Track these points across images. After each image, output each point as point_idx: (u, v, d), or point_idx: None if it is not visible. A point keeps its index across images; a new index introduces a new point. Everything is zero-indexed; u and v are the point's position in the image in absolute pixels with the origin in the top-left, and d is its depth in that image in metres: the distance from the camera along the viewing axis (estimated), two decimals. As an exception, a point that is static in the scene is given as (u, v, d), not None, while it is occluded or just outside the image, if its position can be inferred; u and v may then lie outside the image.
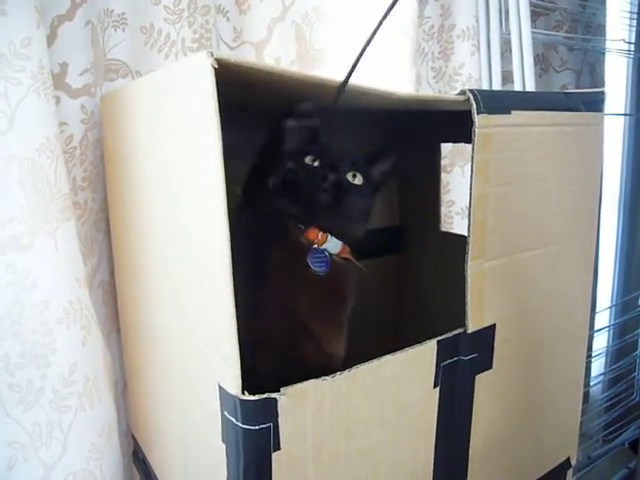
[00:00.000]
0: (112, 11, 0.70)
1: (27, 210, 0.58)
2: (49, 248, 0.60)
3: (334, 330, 0.60)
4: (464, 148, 1.02)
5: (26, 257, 0.59)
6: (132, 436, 0.76)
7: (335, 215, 0.59)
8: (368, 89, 0.45)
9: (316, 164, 0.60)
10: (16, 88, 0.56)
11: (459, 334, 0.52)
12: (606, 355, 1.36)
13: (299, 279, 0.58)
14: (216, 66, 0.36)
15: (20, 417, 0.62)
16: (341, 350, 0.60)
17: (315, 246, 0.58)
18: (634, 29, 1.23)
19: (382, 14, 0.46)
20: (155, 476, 0.66)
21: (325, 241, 0.59)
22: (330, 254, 0.59)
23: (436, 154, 0.86)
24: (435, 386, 0.52)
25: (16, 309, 0.60)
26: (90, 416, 0.67)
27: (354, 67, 0.45)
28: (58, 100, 0.65)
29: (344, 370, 0.45)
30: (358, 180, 0.61)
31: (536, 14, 1.13)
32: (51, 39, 0.64)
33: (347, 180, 0.60)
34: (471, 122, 0.49)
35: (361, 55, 0.46)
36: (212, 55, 0.36)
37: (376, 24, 0.46)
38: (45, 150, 0.58)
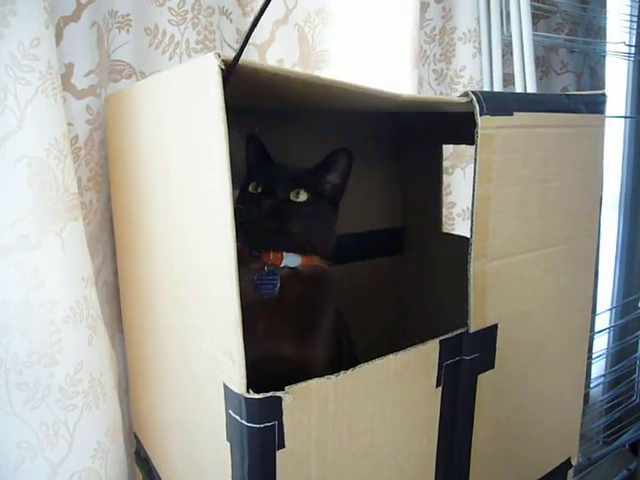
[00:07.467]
0: (117, 12, 0.70)
1: (36, 210, 0.59)
2: (56, 247, 0.60)
3: (305, 341, 0.59)
4: (465, 150, 1.03)
5: (34, 256, 0.59)
6: (135, 436, 0.76)
7: (285, 237, 0.59)
8: (374, 91, 0.46)
9: (259, 190, 0.61)
10: (25, 88, 0.56)
11: (461, 334, 0.53)
12: (606, 357, 1.36)
13: (263, 304, 0.58)
14: (223, 67, 0.36)
15: (27, 416, 0.63)
16: (320, 355, 0.60)
17: (267, 268, 0.59)
18: (634, 32, 1.23)
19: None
20: (158, 475, 0.66)
21: (281, 259, 0.60)
22: (291, 268, 0.60)
23: (438, 156, 0.86)
24: (437, 385, 0.52)
25: (25, 308, 0.60)
26: (96, 415, 0.68)
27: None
28: (64, 101, 0.65)
29: (347, 370, 0.45)
30: (302, 197, 0.60)
31: (537, 17, 1.13)
32: (57, 40, 0.64)
33: (289, 200, 0.60)
34: (474, 123, 0.49)
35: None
36: (219, 56, 0.36)
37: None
38: (53, 150, 0.59)
